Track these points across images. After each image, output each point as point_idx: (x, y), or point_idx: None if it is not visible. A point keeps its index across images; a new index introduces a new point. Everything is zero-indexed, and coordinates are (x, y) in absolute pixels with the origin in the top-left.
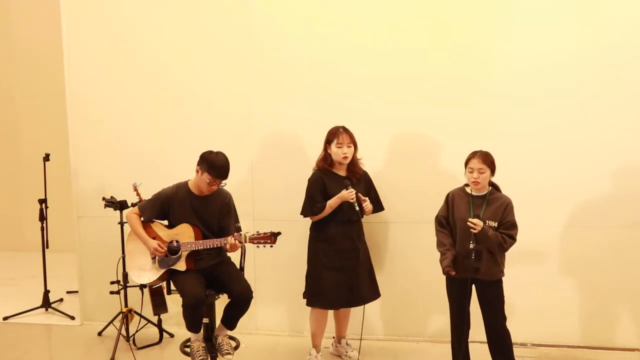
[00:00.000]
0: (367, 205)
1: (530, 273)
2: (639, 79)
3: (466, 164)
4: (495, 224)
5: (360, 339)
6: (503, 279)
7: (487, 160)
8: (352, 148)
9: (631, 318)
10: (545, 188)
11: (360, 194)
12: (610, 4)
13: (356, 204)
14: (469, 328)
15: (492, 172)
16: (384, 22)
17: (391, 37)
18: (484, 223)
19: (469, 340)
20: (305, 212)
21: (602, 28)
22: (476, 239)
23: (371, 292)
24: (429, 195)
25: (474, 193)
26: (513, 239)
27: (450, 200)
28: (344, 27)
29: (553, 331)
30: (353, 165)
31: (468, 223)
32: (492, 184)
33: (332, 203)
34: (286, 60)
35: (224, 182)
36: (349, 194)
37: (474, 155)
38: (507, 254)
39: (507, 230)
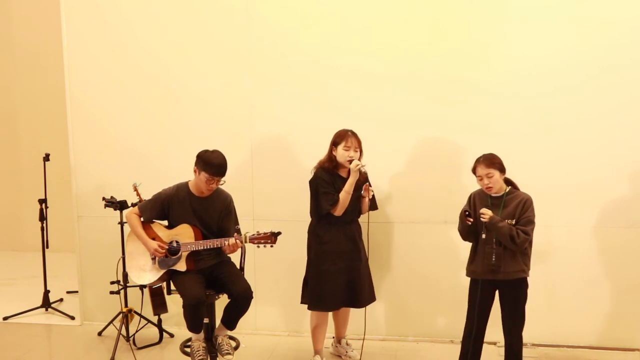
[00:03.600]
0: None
1: (530, 273)
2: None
3: (474, 173)
4: (513, 222)
5: (363, 339)
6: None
7: (492, 163)
8: (358, 153)
9: (631, 318)
10: (546, 188)
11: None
12: (610, 5)
13: (364, 169)
14: (483, 333)
15: (502, 171)
16: (384, 22)
17: (391, 36)
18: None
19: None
20: (321, 209)
21: (603, 28)
22: (486, 229)
23: (370, 295)
24: (430, 195)
25: (492, 194)
26: (527, 234)
27: (472, 201)
28: (344, 27)
29: (553, 331)
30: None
31: (479, 213)
32: (510, 183)
33: (347, 188)
34: (286, 60)
35: (222, 180)
36: (355, 166)
37: (477, 162)
38: None
39: (522, 226)
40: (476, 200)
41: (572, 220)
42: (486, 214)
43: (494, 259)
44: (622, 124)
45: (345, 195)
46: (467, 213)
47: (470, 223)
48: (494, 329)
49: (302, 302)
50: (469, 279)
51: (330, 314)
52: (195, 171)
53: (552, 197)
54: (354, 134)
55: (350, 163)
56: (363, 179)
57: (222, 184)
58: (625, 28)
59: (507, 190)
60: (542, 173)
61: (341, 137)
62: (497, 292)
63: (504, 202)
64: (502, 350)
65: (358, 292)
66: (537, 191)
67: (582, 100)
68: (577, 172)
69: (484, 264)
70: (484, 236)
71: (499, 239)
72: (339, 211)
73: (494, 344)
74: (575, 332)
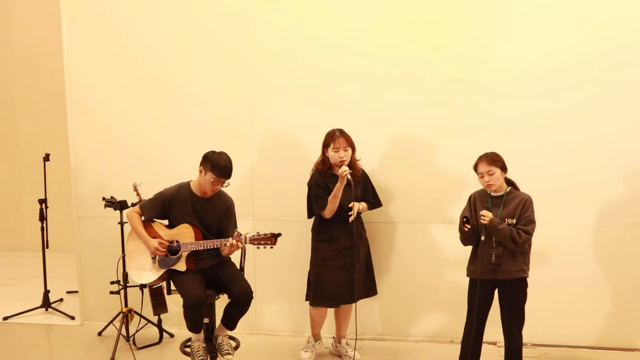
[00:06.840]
0: (360, 206)
1: (530, 273)
2: (639, 79)
3: (475, 171)
4: (514, 221)
5: (356, 338)
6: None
7: (493, 160)
8: (349, 151)
9: (631, 318)
10: (546, 188)
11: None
12: (610, 5)
13: (349, 176)
14: (482, 333)
15: (503, 170)
16: (384, 23)
17: (391, 37)
18: (503, 221)
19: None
20: (313, 212)
21: (603, 28)
22: (486, 231)
23: (367, 289)
24: (429, 195)
25: (492, 193)
26: (528, 234)
27: (472, 202)
28: (345, 27)
29: (553, 331)
30: (352, 166)
31: (479, 214)
32: (511, 183)
33: (335, 192)
34: (286, 60)
35: (227, 182)
36: (342, 172)
37: (479, 160)
38: None
39: (523, 226)
40: (477, 201)
41: (572, 220)
42: (487, 216)
43: (493, 259)
44: (622, 124)
45: (333, 199)
46: (465, 219)
47: (467, 230)
48: (494, 329)
49: (306, 299)
50: (468, 279)
51: (331, 312)
52: (201, 171)
53: (552, 197)
54: (342, 134)
55: (342, 163)
56: (354, 183)
57: (226, 186)
58: (625, 28)
59: (508, 190)
60: (542, 173)
61: (330, 138)
62: (496, 292)
63: (504, 202)
64: (502, 350)
65: (353, 288)
66: (537, 191)
67: (582, 100)
68: (577, 172)
69: (485, 264)
70: (483, 238)
71: (499, 240)
72: (327, 214)
73: (494, 344)
74: (575, 332)
